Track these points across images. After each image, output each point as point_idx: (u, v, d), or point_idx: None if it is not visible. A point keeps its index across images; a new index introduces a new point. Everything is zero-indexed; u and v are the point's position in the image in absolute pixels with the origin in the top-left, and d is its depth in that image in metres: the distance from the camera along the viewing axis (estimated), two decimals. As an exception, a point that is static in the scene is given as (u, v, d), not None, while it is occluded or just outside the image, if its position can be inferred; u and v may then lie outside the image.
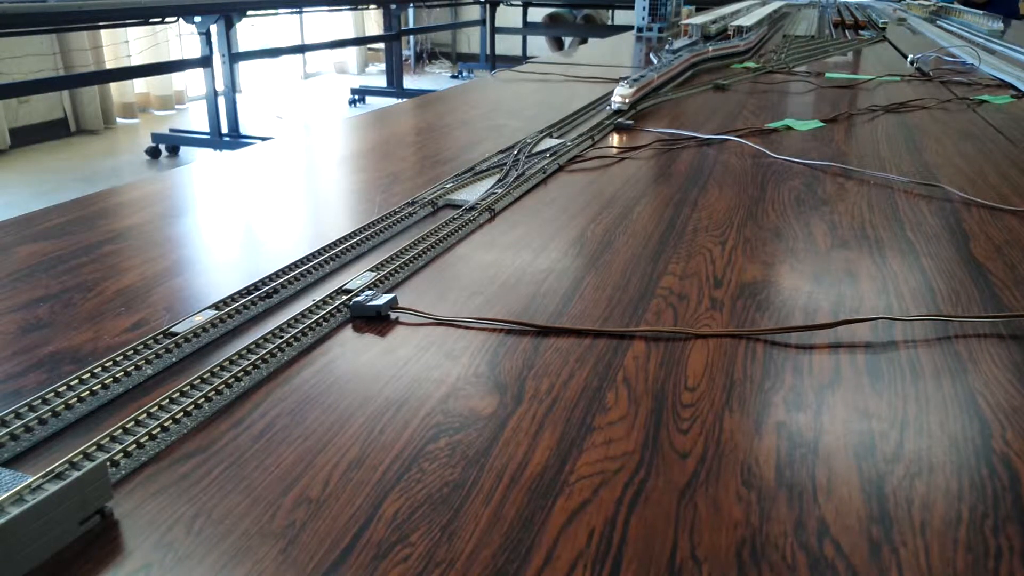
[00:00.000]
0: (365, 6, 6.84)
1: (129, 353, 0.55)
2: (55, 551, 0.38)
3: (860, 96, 1.74)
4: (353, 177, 1.08)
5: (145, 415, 0.48)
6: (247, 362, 0.54)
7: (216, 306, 0.63)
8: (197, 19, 4.14)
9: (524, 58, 6.68)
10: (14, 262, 0.74)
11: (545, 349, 0.59)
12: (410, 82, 6.86)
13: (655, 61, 1.96)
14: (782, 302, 0.68)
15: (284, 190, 1.00)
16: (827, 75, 2.02)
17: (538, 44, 7.96)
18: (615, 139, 1.28)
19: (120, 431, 0.46)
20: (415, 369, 0.56)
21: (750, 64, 2.20)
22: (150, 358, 0.55)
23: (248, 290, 0.66)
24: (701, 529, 0.40)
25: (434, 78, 7.72)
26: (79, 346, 0.58)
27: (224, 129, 4.40)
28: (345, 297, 0.65)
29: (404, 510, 0.41)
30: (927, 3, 4.85)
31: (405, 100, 1.77)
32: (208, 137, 4.39)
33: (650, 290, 0.70)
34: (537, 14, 7.75)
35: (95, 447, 0.44)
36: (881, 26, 3.43)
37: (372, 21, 7.71)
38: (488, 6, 7.37)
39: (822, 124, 1.41)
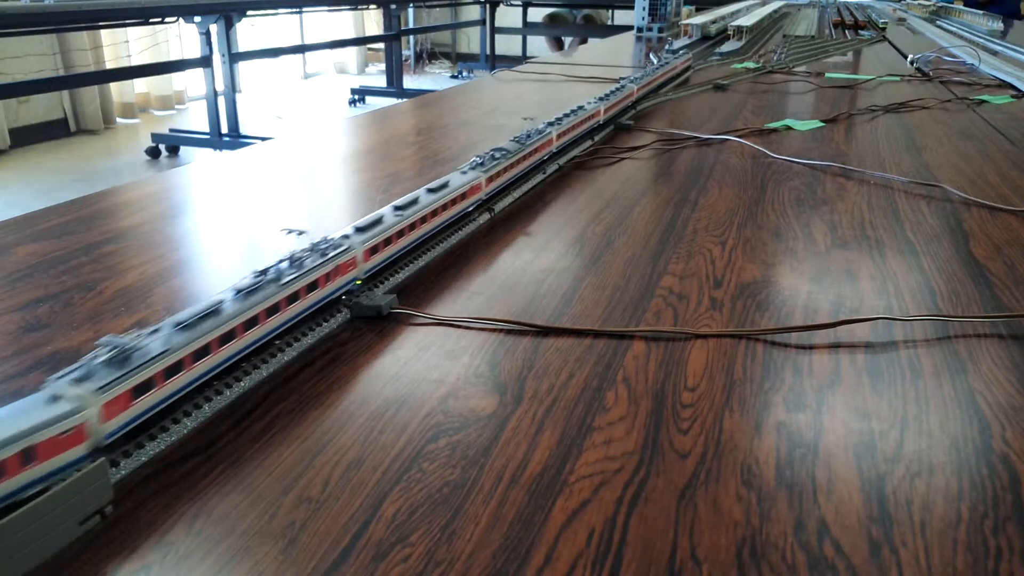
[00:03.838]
0: (365, 6, 6.84)
1: (129, 353, 0.55)
2: (55, 551, 0.38)
3: (860, 96, 1.74)
4: (353, 177, 1.08)
5: (145, 415, 0.47)
6: (247, 362, 0.54)
7: (216, 306, 0.63)
8: (197, 19, 4.14)
9: (524, 58, 6.68)
10: (14, 262, 0.74)
11: (545, 349, 0.59)
12: (410, 82, 6.85)
13: (654, 61, 1.95)
14: (782, 302, 0.68)
15: (284, 190, 1.00)
16: (827, 75, 2.02)
17: (538, 44, 7.96)
18: (615, 139, 1.28)
19: (120, 431, 0.45)
20: (415, 369, 0.56)
21: (750, 64, 2.20)
22: (150, 358, 0.54)
23: (248, 290, 0.65)
24: (701, 529, 0.40)
25: (434, 78, 7.72)
26: (79, 346, 0.58)
27: (224, 129, 4.39)
28: (345, 297, 0.65)
29: (404, 510, 0.41)
30: (927, 3, 4.85)
31: (405, 100, 1.77)
32: (208, 137, 4.39)
33: (650, 290, 0.70)
34: (537, 14, 7.75)
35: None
36: (881, 26, 3.43)
37: (372, 21, 7.71)
38: (488, 6, 7.37)
39: (822, 124, 1.42)
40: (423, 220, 0.73)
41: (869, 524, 0.41)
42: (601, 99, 1.24)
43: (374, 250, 0.66)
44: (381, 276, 0.68)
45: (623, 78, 1.44)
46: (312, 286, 0.58)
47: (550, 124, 1.05)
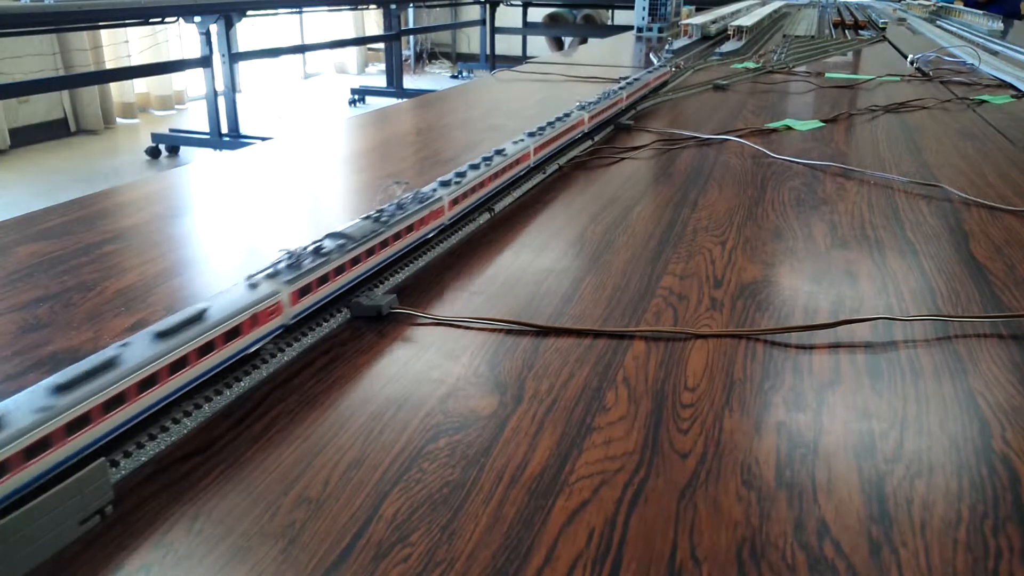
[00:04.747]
0: (365, 6, 6.84)
1: (129, 353, 0.54)
2: (55, 551, 0.38)
3: (860, 96, 1.74)
4: (353, 177, 1.08)
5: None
6: (247, 362, 0.54)
7: (216, 306, 0.62)
8: (197, 19, 4.14)
9: (524, 58, 6.68)
10: (14, 262, 0.74)
11: (545, 349, 0.59)
12: (410, 82, 6.85)
13: (654, 61, 1.94)
14: (782, 302, 0.67)
15: (284, 190, 1.00)
16: (827, 75, 2.02)
17: (538, 44, 7.96)
18: (615, 139, 1.28)
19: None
20: (415, 369, 0.56)
21: (750, 64, 2.20)
22: (150, 358, 0.54)
23: (248, 290, 0.65)
24: (701, 529, 0.40)
25: (434, 78, 7.72)
26: (79, 346, 0.58)
27: (224, 129, 4.39)
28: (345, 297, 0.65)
29: (404, 510, 0.41)
30: (927, 3, 4.85)
31: (405, 100, 1.77)
32: (208, 137, 4.39)
33: (650, 290, 0.70)
34: (537, 14, 7.75)
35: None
36: (881, 26, 3.43)
37: (372, 21, 7.70)
38: (488, 6, 7.37)
39: (822, 124, 1.42)
40: (143, 385, 0.43)
41: (869, 524, 0.41)
42: (532, 135, 0.95)
43: (69, 429, 0.38)
44: (381, 276, 0.68)
45: (596, 95, 1.44)
46: None
47: (443, 184, 0.74)
